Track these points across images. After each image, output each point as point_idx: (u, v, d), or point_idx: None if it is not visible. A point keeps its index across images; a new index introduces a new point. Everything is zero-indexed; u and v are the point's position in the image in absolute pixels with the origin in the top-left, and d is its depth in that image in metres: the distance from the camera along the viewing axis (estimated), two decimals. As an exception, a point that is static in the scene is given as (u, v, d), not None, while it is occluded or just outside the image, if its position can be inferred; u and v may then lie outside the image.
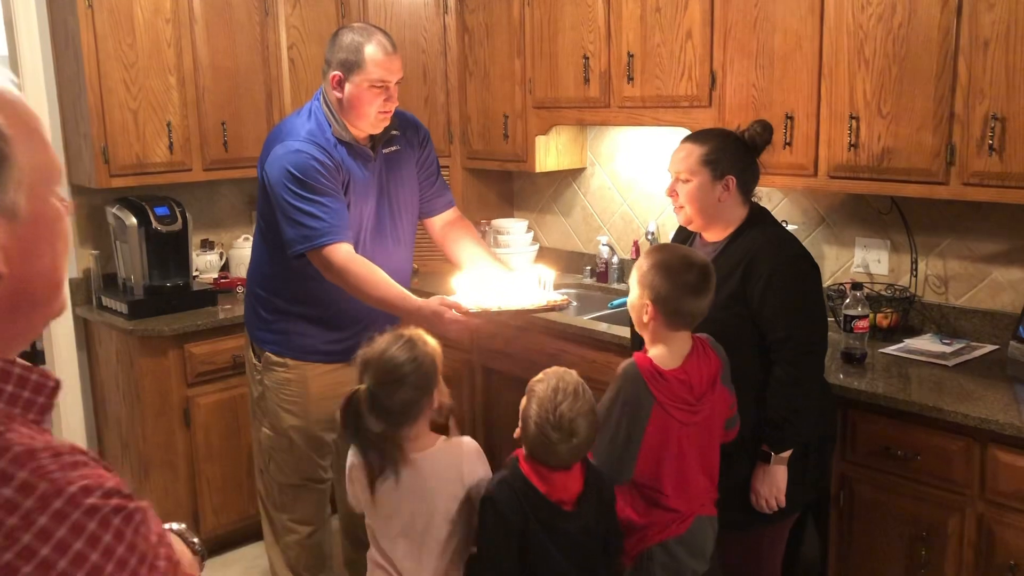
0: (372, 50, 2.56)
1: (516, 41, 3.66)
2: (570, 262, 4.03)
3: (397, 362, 1.96)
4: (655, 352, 2.08)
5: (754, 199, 2.40)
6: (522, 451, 1.99)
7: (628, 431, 2.03)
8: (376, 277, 2.50)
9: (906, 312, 2.90)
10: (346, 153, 2.61)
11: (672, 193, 2.38)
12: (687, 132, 3.15)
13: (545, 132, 3.67)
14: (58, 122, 3.59)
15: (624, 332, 3.00)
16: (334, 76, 2.58)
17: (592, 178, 3.94)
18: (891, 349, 2.75)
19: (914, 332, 2.89)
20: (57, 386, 0.84)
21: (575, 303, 3.62)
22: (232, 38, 3.65)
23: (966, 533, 2.31)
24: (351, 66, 2.56)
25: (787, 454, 2.24)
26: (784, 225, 2.55)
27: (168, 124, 3.51)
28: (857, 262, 3.08)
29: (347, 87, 2.57)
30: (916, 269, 2.94)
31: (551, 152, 3.78)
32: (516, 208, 4.31)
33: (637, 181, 3.75)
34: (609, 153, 3.85)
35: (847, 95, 2.68)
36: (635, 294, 2.08)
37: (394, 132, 2.74)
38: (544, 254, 4.14)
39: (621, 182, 3.81)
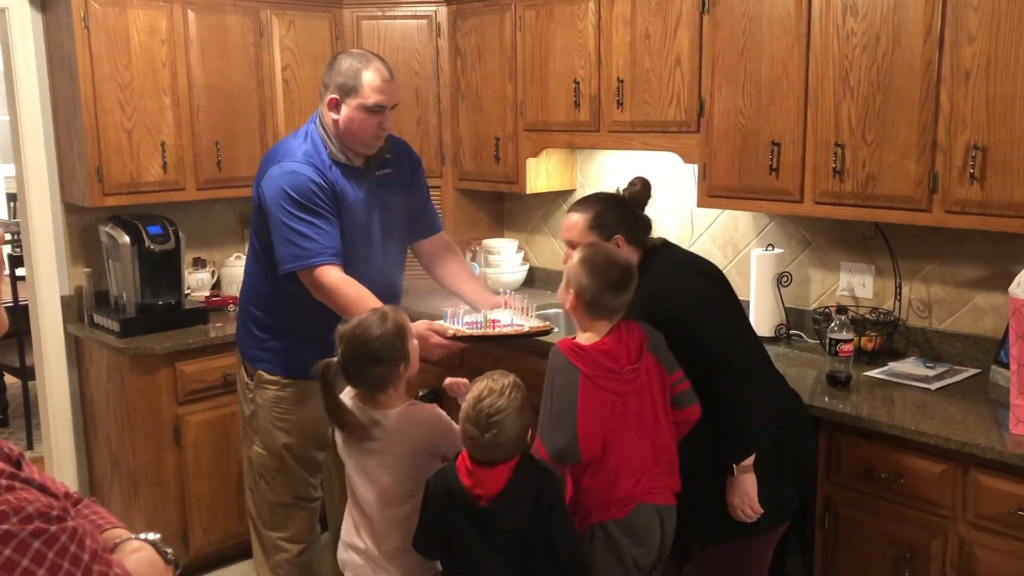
0: (370, 76, 2.61)
1: (508, 65, 3.71)
2: (559, 282, 4.06)
3: (368, 337, 2.14)
4: (579, 337, 2.24)
5: (656, 239, 2.46)
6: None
7: (561, 404, 2.15)
8: (365, 299, 2.53)
9: (890, 336, 2.94)
10: (341, 174, 2.66)
11: (565, 261, 2.39)
12: (676, 156, 3.23)
13: (536, 155, 3.72)
14: (52, 141, 3.62)
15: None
16: (331, 99, 2.63)
17: (582, 200, 3.98)
18: (875, 372, 2.79)
19: (898, 355, 2.94)
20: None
21: (556, 328, 3.65)
22: (227, 59, 3.69)
23: (949, 555, 2.35)
24: (348, 90, 2.61)
25: (748, 462, 2.26)
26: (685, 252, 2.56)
27: (162, 144, 3.54)
28: (842, 286, 3.13)
29: (343, 110, 2.62)
30: (900, 293, 2.98)
31: (541, 174, 3.83)
32: (507, 228, 4.35)
33: (626, 203, 3.79)
34: (598, 176, 3.89)
35: (832, 122, 2.73)
36: (563, 284, 2.27)
37: (387, 155, 2.79)
38: (534, 274, 4.18)
39: (611, 204, 3.85)
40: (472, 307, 2.79)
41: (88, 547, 0.82)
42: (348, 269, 2.61)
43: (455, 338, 2.55)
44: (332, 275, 2.55)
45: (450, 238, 3.13)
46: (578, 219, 2.42)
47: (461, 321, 2.61)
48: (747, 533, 2.33)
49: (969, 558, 2.31)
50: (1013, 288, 2.31)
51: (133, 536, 1.13)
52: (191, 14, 3.57)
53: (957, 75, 2.46)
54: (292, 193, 2.55)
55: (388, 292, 2.71)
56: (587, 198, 2.51)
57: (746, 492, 2.27)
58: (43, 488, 0.83)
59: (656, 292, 2.32)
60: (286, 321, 2.73)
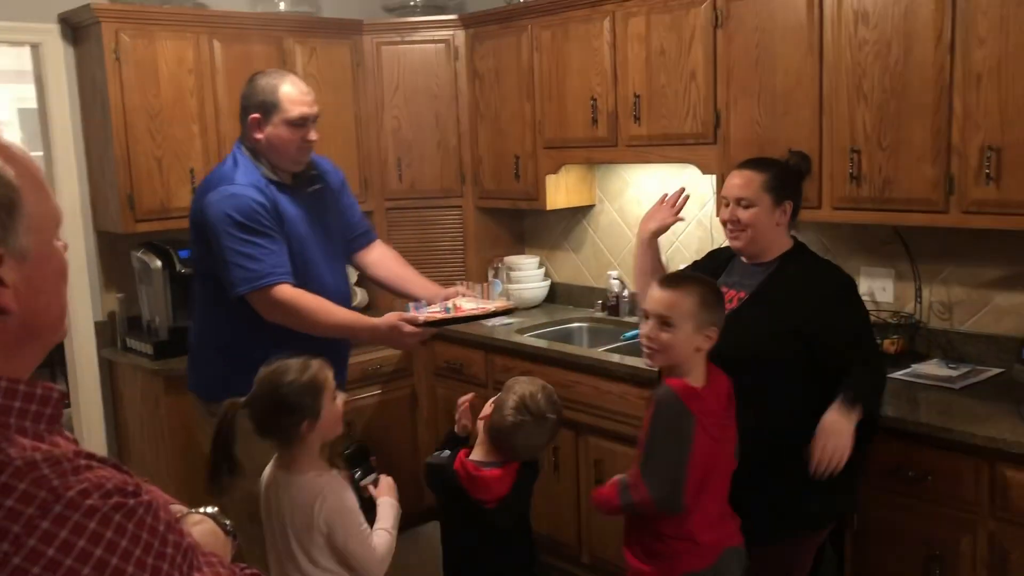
0: (288, 89, 2.68)
1: (525, 85, 3.79)
2: (582, 297, 4.12)
3: (280, 381, 2.08)
4: (689, 378, 2.17)
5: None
6: (464, 452, 2.38)
7: (674, 450, 2.11)
8: (327, 306, 2.63)
9: (912, 338, 2.97)
10: (277, 191, 2.71)
11: (732, 218, 2.43)
12: (694, 168, 3.29)
13: (555, 171, 3.79)
14: (85, 170, 3.72)
15: (637, 362, 3.08)
16: (253, 118, 2.68)
17: (601, 215, 4.04)
18: (899, 374, 2.82)
19: (921, 357, 2.97)
20: (61, 397, 0.94)
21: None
22: (252, 87, 3.78)
23: (978, 552, 2.36)
24: (270, 107, 2.66)
25: (856, 415, 2.25)
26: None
27: (191, 170, 3.63)
28: (863, 290, 3.16)
29: (267, 128, 2.67)
30: (920, 296, 3.02)
31: (561, 190, 3.89)
32: (527, 245, 4.41)
33: (646, 217, 3.85)
34: (618, 190, 3.95)
35: (848, 129, 2.78)
36: (686, 329, 2.14)
37: (313, 172, 2.87)
38: (555, 289, 4.23)
39: (629, 218, 3.91)
40: (431, 302, 2.86)
41: (162, 518, 0.88)
42: (298, 281, 2.65)
43: (426, 324, 2.67)
44: (287, 291, 2.59)
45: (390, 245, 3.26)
46: (754, 177, 2.40)
47: (426, 311, 2.73)
48: (794, 535, 2.35)
49: (1000, 554, 2.32)
50: (1033, 284, 2.34)
51: (193, 510, 1.19)
52: (216, 44, 3.67)
53: (969, 78, 2.51)
54: (236, 216, 2.57)
55: (340, 297, 2.80)
56: (760, 159, 2.51)
57: (842, 436, 2.21)
58: (116, 466, 0.89)
59: (814, 284, 2.37)
60: (256, 345, 2.46)
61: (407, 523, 4.01)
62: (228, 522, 1.17)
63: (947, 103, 2.57)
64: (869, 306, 3.05)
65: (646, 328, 2.19)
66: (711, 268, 2.59)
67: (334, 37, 4.01)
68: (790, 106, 2.92)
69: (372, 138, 4.14)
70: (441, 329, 2.83)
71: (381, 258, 3.12)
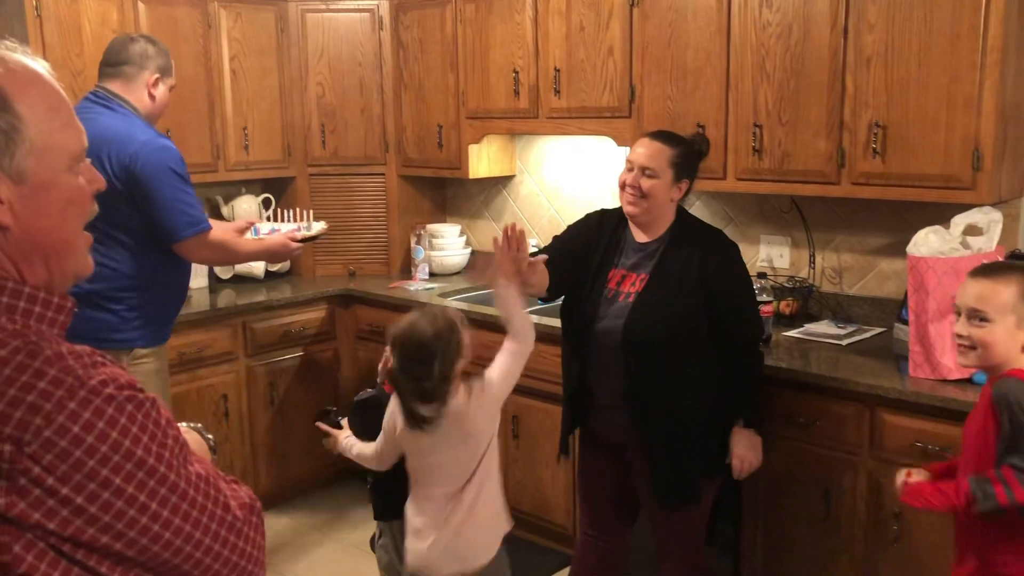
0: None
1: (449, 56, 3.91)
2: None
3: (424, 339, 2.20)
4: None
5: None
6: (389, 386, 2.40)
7: None
8: (238, 239, 3.03)
9: (806, 301, 3.23)
10: None
11: (635, 184, 2.47)
12: (610, 141, 3.47)
13: (478, 141, 3.92)
14: (2, 128, 3.67)
15: (552, 323, 3.26)
16: (154, 79, 2.83)
17: (521, 185, 4.20)
18: (793, 333, 3.07)
19: (813, 318, 3.23)
20: (74, 306, 1.05)
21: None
22: (176, 49, 3.76)
23: (859, 487, 2.63)
24: (165, 70, 2.87)
25: (757, 429, 2.54)
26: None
27: (114, 131, 3.62)
28: (762, 257, 3.41)
29: (160, 89, 2.86)
30: (814, 262, 3.28)
31: (483, 160, 4.03)
32: (449, 214, 4.54)
33: (563, 187, 4.03)
34: (537, 161, 4.12)
35: (751, 105, 3.00)
36: (1006, 324, 1.89)
37: None
38: (477, 257, 4.38)
39: (548, 188, 4.08)
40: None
41: (163, 415, 1.01)
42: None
43: (303, 240, 3.14)
44: (215, 232, 2.88)
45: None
46: (663, 149, 2.48)
47: (287, 230, 3.19)
48: (712, 485, 2.55)
49: (876, 487, 2.59)
50: (910, 247, 2.60)
51: (181, 423, 1.30)
52: (141, 6, 3.67)
53: (860, 61, 2.75)
54: (173, 166, 2.74)
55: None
56: (671, 133, 2.58)
57: (759, 450, 2.51)
58: (122, 369, 1.01)
59: (708, 253, 2.47)
60: (150, 294, 2.80)
61: (330, 482, 4.11)
62: (210, 436, 1.28)
63: (840, 83, 2.80)
64: (768, 271, 3.31)
65: (958, 324, 1.96)
66: (609, 243, 2.59)
67: (259, 2, 4.04)
68: (699, 83, 3.12)
69: (296, 104, 4.20)
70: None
71: None
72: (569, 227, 2.72)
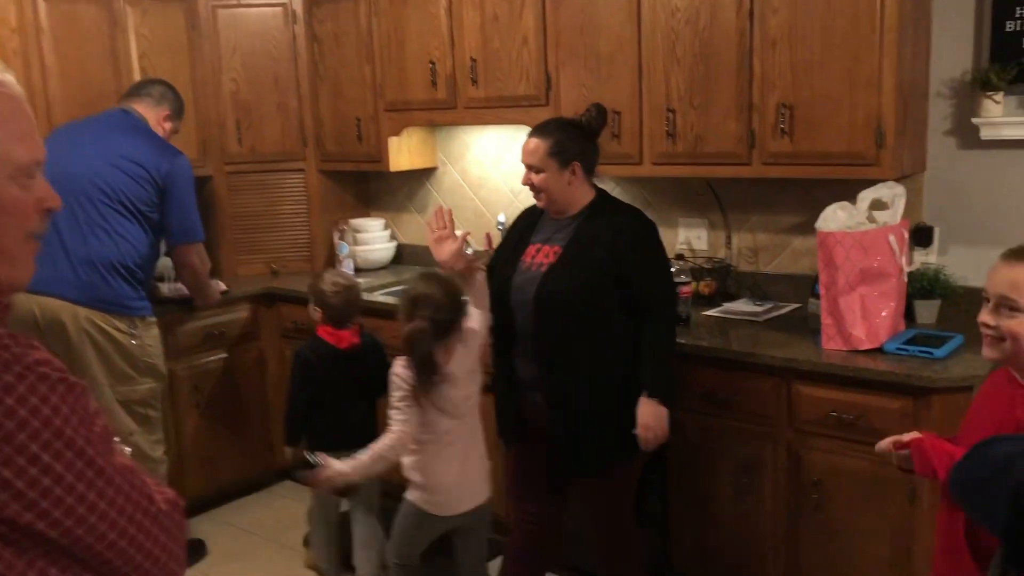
0: None
1: (365, 48, 3.88)
2: (428, 257, 4.23)
3: (453, 291, 2.58)
4: None
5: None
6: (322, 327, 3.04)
7: None
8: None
9: (724, 280, 3.30)
10: None
11: (527, 182, 2.60)
12: (529, 129, 3.48)
13: (397, 133, 3.90)
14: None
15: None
16: (165, 115, 3.39)
17: (444, 176, 4.19)
18: (712, 312, 3.14)
19: (731, 297, 3.30)
20: (9, 304, 1.04)
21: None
22: (81, 48, 3.69)
23: (779, 459, 2.70)
24: (176, 114, 3.45)
25: (663, 400, 2.53)
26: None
27: (18, 133, 3.51)
28: (681, 239, 3.47)
29: (168, 126, 3.40)
30: (731, 243, 3.35)
31: (404, 152, 4.01)
32: (372, 208, 4.51)
33: (485, 177, 4.04)
34: (459, 152, 4.11)
35: (664, 90, 3.05)
36: None
37: None
38: (402, 251, 4.36)
39: (471, 179, 4.09)
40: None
41: (92, 404, 1.02)
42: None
43: None
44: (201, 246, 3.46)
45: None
46: (539, 144, 2.54)
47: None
48: (623, 459, 2.58)
49: (795, 459, 2.67)
50: (819, 223, 2.68)
51: None
52: (40, 3, 3.55)
53: (766, 43, 2.82)
54: (191, 178, 3.34)
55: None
56: (547, 123, 2.64)
57: (664, 421, 2.51)
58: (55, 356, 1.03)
59: (621, 230, 2.50)
60: (146, 273, 3.35)
61: (262, 484, 4.07)
62: (128, 450, 1.27)
63: (748, 65, 2.86)
64: (687, 253, 3.37)
65: (983, 312, 1.72)
66: (528, 224, 2.71)
67: (167, -1, 3.95)
68: (613, 69, 3.16)
69: (210, 101, 4.12)
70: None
71: None
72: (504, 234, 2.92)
